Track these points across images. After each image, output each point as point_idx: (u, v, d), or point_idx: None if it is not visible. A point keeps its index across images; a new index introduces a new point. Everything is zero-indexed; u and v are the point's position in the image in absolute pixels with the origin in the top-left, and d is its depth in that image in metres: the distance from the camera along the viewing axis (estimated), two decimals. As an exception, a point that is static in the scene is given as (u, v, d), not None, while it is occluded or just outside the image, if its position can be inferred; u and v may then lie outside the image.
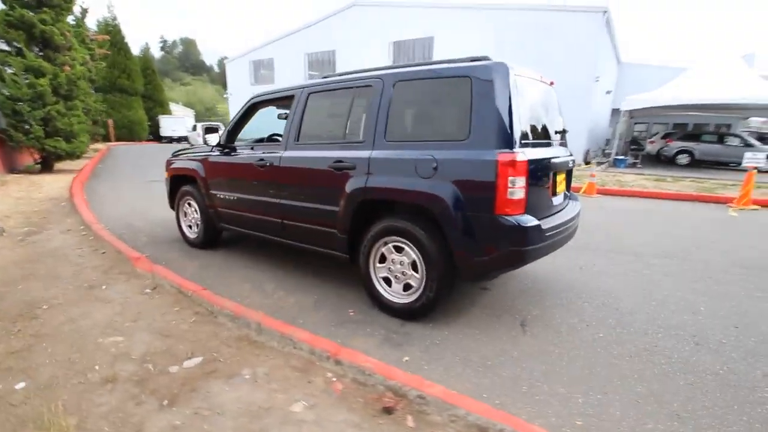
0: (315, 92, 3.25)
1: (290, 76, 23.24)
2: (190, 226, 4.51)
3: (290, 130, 3.32)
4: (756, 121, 24.46)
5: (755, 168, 6.85)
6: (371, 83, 2.88)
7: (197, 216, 4.33)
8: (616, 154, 15.72)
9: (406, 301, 2.74)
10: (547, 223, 2.50)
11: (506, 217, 2.32)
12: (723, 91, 13.04)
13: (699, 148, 15.51)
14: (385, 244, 2.80)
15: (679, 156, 15.83)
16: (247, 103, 3.81)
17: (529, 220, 2.36)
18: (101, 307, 2.83)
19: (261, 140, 4.27)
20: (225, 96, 27.79)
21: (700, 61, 15.95)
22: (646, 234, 5.26)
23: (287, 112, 4.31)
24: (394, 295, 2.82)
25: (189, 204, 4.43)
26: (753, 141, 14.88)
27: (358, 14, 20.20)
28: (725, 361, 2.33)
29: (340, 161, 2.89)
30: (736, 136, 15.48)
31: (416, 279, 2.70)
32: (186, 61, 68.37)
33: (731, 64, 14.68)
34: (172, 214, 5.99)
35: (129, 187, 8.58)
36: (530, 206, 2.43)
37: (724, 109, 17.43)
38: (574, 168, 3.29)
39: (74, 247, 4.24)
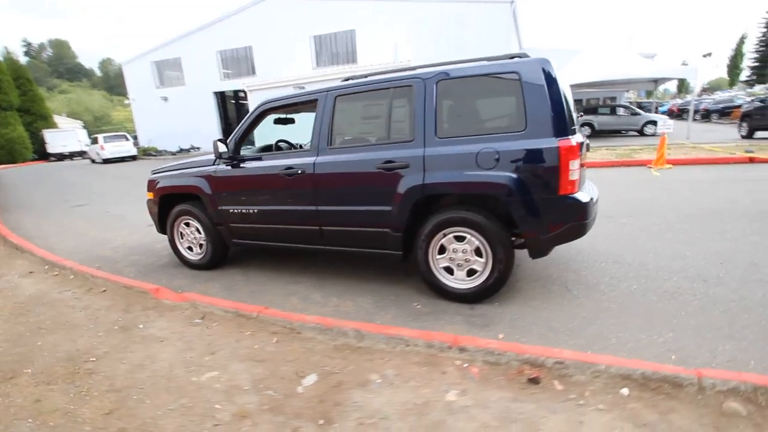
0: (343, 95, 3.23)
1: (203, 75, 21.65)
2: (190, 248, 4.17)
3: (320, 134, 3.27)
4: (629, 95, 28.79)
5: (665, 133, 8.20)
6: (411, 83, 2.96)
7: (200, 235, 4.02)
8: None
9: (474, 285, 2.93)
10: (593, 197, 2.86)
11: (569, 196, 2.62)
12: (611, 69, 15.20)
13: (597, 120, 17.81)
14: (444, 235, 2.95)
15: (582, 128, 18.04)
16: (256, 110, 3.62)
17: (585, 196, 2.69)
18: (160, 347, 2.57)
19: (268, 148, 4.08)
20: (127, 102, 24.89)
21: (592, 43, 18.34)
22: (603, 198, 6.07)
23: (286, 116, 4.22)
24: (459, 281, 2.99)
25: (187, 224, 4.09)
26: (638, 111, 17.55)
27: (274, 7, 19.40)
28: (733, 290, 2.93)
29: (391, 161, 2.95)
30: (624, 107, 18.12)
31: (480, 263, 2.90)
32: (59, 65, 59.27)
33: (616, 45, 17.12)
34: (139, 238, 5.48)
35: (59, 215, 7.46)
36: (580, 185, 2.76)
37: (611, 84, 20.28)
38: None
39: (59, 290, 3.68)
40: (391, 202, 3.00)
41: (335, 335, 2.52)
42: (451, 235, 2.94)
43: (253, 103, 17.72)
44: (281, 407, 1.96)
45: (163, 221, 4.25)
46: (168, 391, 2.10)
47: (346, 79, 3.41)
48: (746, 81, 41.66)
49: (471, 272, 2.95)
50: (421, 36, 17.20)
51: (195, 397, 2.05)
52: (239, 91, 24.59)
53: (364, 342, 2.44)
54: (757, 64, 39.88)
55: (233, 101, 26.79)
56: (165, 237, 5.26)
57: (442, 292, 3.05)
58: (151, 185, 4.23)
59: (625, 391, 1.87)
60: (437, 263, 3.03)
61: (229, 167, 3.69)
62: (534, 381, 1.98)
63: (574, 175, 2.60)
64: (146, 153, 21.52)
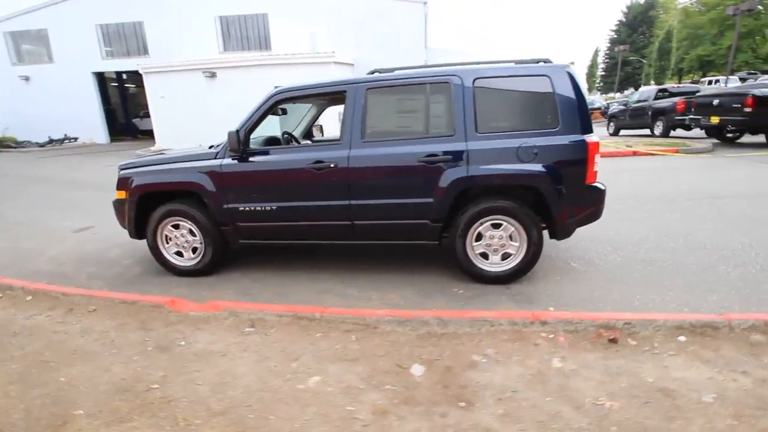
0: (375, 88, 3.21)
1: (78, 52, 18.28)
2: (179, 253, 3.69)
3: (351, 127, 3.20)
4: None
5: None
6: (448, 80, 3.10)
7: (194, 238, 3.60)
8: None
9: (509, 267, 3.22)
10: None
11: (592, 185, 3.07)
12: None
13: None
14: (481, 224, 3.19)
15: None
16: (268, 99, 3.36)
17: (602, 185, 3.17)
18: (228, 361, 2.32)
19: (273, 141, 3.80)
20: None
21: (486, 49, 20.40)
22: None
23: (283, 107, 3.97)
24: (495, 265, 3.26)
25: (175, 226, 3.61)
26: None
27: (171, -20, 17.24)
28: (686, 255, 3.72)
29: (434, 155, 3.06)
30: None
31: (514, 247, 3.21)
32: None
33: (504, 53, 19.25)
34: (73, 247, 4.70)
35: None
36: None
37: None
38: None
39: (23, 315, 2.96)
40: (432, 194, 3.12)
41: (416, 325, 2.58)
42: (488, 223, 3.18)
43: (150, 88, 15.66)
44: (413, 398, 1.99)
45: (140, 224, 3.67)
46: (284, 403, 1.96)
47: (372, 72, 3.38)
48: (597, 87, 50.67)
49: (504, 256, 3.25)
50: (340, 28, 17.04)
51: (319, 403, 1.95)
52: (125, 72, 21.41)
53: (448, 328, 2.55)
54: (604, 73, 48.80)
55: (116, 84, 23.21)
56: (117, 243, 4.63)
57: (478, 277, 3.28)
58: (124, 183, 3.62)
59: (682, 338, 2.35)
60: (474, 250, 3.25)
61: (236, 161, 3.37)
62: (613, 341, 2.35)
63: (596, 167, 3.06)
64: (2, 144, 17.39)
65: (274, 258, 4.05)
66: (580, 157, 2.99)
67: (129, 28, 18.04)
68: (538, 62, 3.17)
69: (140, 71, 15.54)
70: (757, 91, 9.38)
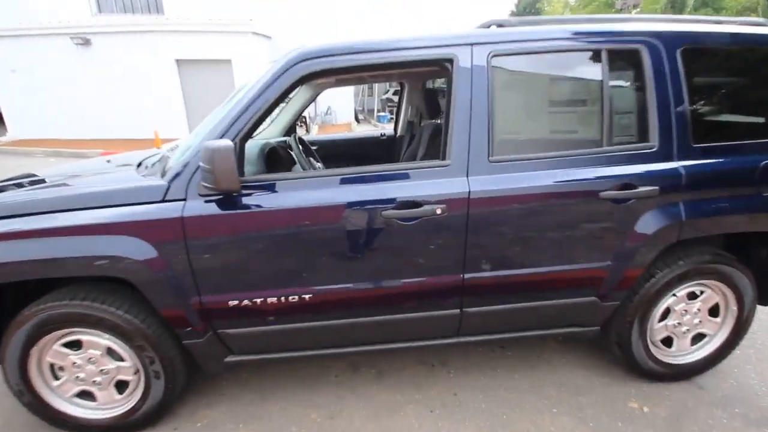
0: (506, 55, 1.64)
1: None
2: (85, 393, 1.75)
3: (469, 134, 1.61)
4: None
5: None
6: (636, 46, 1.68)
7: (120, 364, 1.71)
8: (378, 112, 17.54)
9: (706, 354, 2.01)
10: None
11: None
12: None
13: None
14: (674, 294, 1.91)
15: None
16: (284, 70, 1.56)
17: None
18: None
19: (271, 154, 1.98)
20: None
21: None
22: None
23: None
24: (682, 355, 2.02)
25: (72, 345, 1.67)
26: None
27: None
28: None
29: (630, 185, 1.65)
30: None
31: (713, 324, 2.00)
32: None
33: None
34: None
35: None
36: None
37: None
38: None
39: None
40: (615, 252, 1.73)
41: None
42: (683, 293, 1.91)
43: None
44: None
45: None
46: None
47: (487, 26, 1.79)
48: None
49: (697, 338, 2.03)
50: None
51: None
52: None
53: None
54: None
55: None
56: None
57: (654, 374, 2.02)
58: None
59: None
60: (654, 334, 1.97)
61: (218, 205, 1.55)
62: None
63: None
64: None
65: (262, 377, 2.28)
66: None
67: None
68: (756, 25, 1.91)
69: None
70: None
